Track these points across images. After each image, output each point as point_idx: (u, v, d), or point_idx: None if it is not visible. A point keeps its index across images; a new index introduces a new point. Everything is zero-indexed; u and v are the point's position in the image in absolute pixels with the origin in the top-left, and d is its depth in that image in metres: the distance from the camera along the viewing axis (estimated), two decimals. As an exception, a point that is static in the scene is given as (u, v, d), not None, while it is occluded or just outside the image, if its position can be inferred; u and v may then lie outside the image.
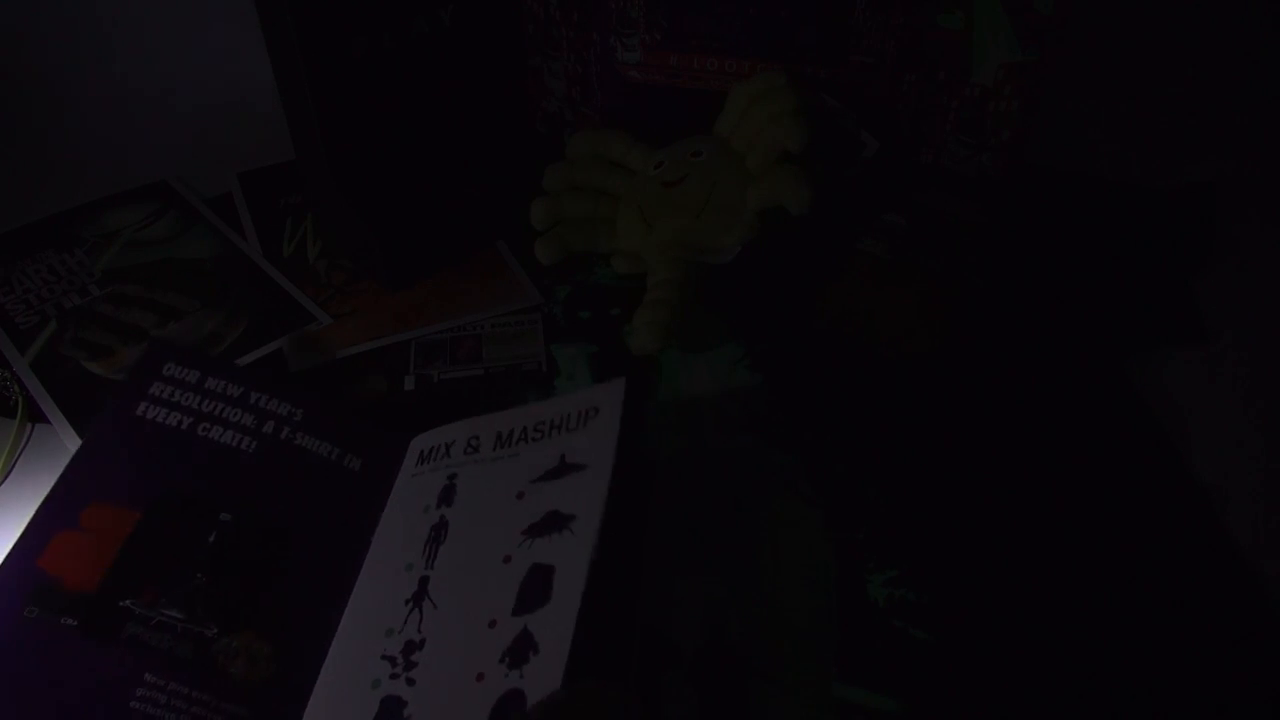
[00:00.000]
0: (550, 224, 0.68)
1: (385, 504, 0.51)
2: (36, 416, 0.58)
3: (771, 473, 0.55)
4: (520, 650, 0.41)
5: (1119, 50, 0.84)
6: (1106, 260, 0.69)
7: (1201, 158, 0.79)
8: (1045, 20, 0.63)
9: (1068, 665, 0.46)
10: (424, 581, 0.46)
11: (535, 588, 0.42)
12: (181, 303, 0.65)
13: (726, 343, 0.63)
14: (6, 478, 0.55)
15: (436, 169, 0.69)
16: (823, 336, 0.62)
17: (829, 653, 0.47)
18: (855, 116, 0.68)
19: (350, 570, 0.48)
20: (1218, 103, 0.85)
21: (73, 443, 0.55)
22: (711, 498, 0.54)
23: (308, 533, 0.48)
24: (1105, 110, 0.82)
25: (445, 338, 0.64)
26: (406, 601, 0.45)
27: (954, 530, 0.52)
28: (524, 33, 0.74)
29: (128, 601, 0.43)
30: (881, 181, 0.68)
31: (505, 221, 0.71)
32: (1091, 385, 0.60)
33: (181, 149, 0.80)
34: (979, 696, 0.45)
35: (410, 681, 0.42)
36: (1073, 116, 0.77)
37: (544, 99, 0.78)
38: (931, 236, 0.64)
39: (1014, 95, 0.66)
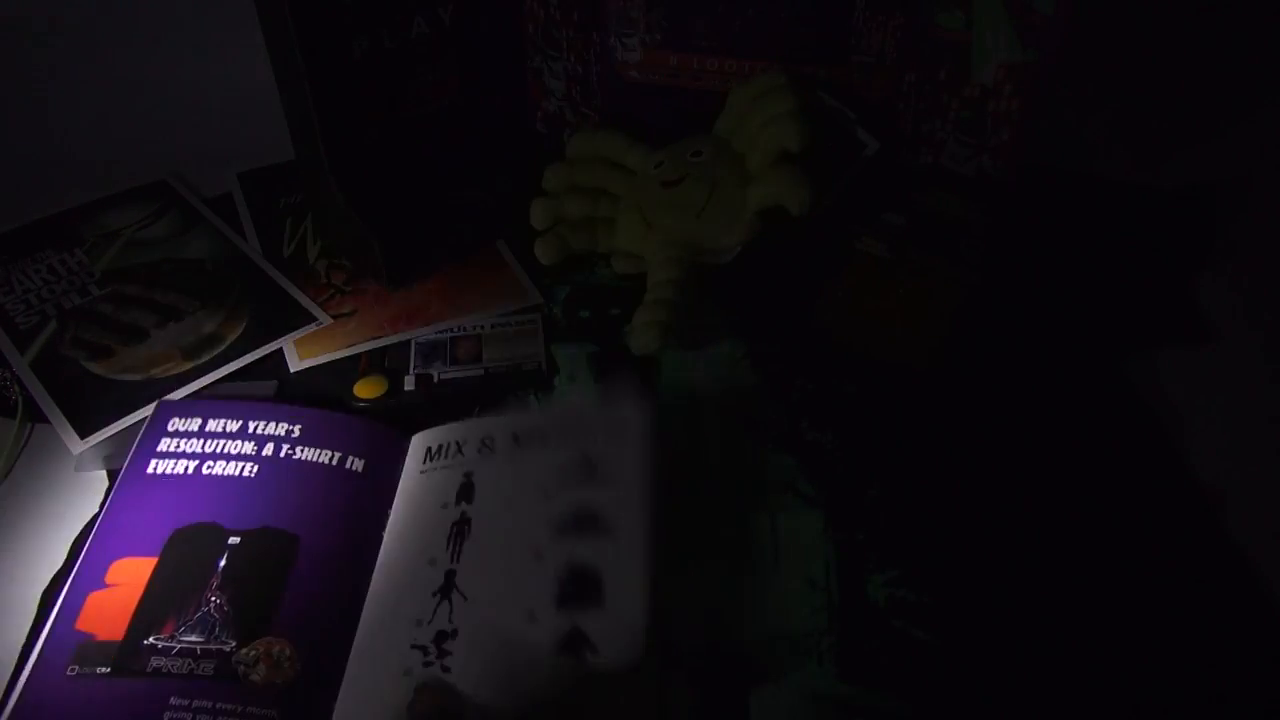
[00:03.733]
0: (550, 224, 0.68)
1: (392, 500, 0.52)
2: (36, 416, 0.58)
3: (771, 473, 0.55)
4: (574, 646, 0.44)
5: (1119, 50, 0.84)
6: (1106, 260, 0.69)
7: (1201, 158, 0.79)
8: (1045, 20, 0.63)
9: (1068, 665, 0.46)
10: (450, 575, 0.48)
11: (580, 587, 0.46)
12: (181, 303, 0.65)
13: (726, 343, 0.63)
14: (6, 477, 0.55)
15: (436, 169, 0.69)
16: (823, 336, 0.62)
17: (829, 653, 0.47)
18: (855, 116, 0.68)
19: (365, 566, 0.49)
20: (1218, 103, 0.85)
21: (73, 442, 0.55)
22: (711, 497, 0.54)
23: (318, 536, 0.50)
24: (1105, 110, 0.82)
25: (445, 338, 0.64)
26: (434, 594, 0.47)
27: (954, 530, 0.52)
28: (524, 33, 0.74)
29: (150, 638, 0.46)
30: (881, 181, 0.68)
31: (505, 221, 0.71)
32: (1091, 385, 0.60)
33: (181, 149, 0.79)
34: (980, 696, 0.45)
35: (445, 669, 0.44)
36: (1073, 116, 0.77)
37: (544, 99, 0.78)
38: (931, 236, 0.64)
39: (1014, 95, 0.66)
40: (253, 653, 0.45)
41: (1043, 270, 0.67)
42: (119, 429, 0.56)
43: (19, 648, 0.47)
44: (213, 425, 0.54)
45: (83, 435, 0.56)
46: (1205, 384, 0.61)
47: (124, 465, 0.53)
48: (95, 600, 0.47)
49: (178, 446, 0.53)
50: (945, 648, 0.47)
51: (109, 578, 0.48)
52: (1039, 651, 0.47)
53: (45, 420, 0.57)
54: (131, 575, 0.48)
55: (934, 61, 0.67)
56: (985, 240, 0.64)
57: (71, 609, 0.46)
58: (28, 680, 0.44)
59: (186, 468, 0.52)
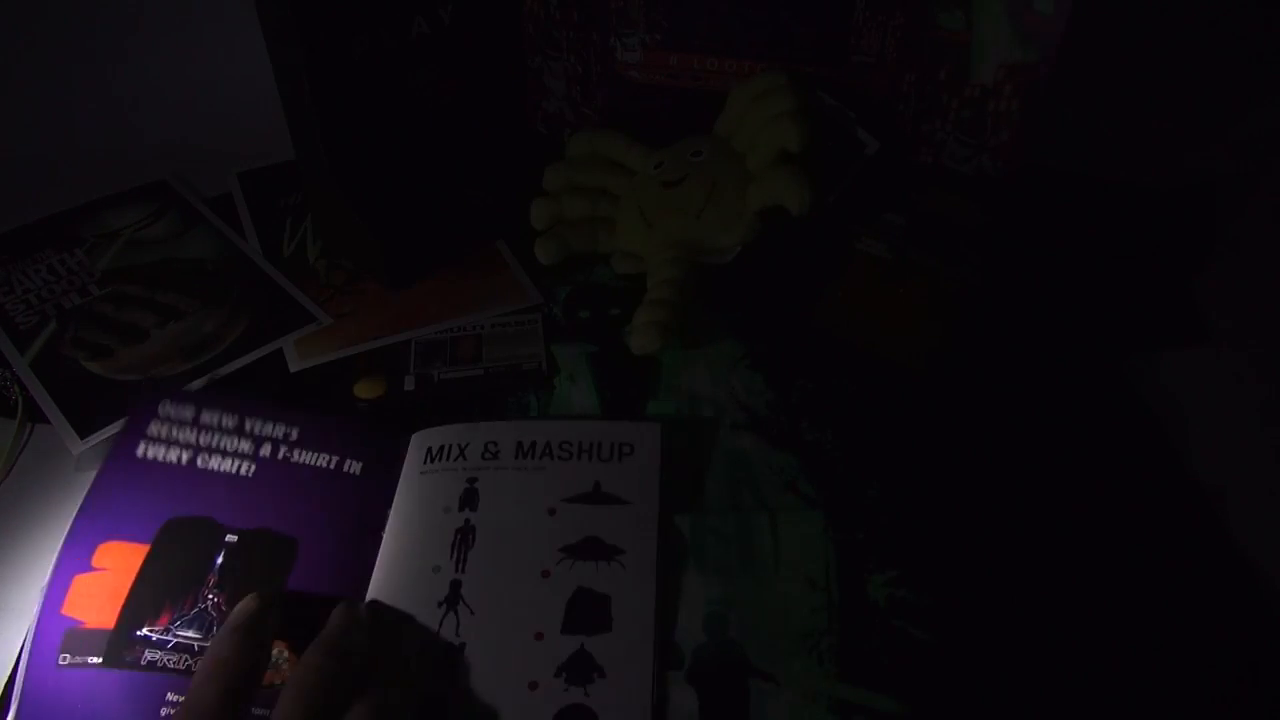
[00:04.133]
0: (550, 224, 0.68)
1: (390, 500, 0.52)
2: (36, 416, 0.58)
3: (771, 473, 0.55)
4: (580, 669, 0.45)
5: (1119, 50, 0.84)
6: (1106, 260, 0.69)
7: (1201, 158, 0.79)
8: (1045, 20, 0.63)
9: (1068, 665, 0.46)
10: (456, 585, 0.48)
11: (588, 610, 0.47)
12: (181, 303, 0.65)
13: (726, 343, 0.63)
14: (6, 477, 0.55)
15: (436, 169, 0.69)
16: (823, 336, 0.62)
17: (829, 653, 0.47)
18: (854, 116, 0.68)
19: (365, 568, 0.49)
20: (1218, 103, 0.85)
21: (73, 442, 0.55)
22: (711, 497, 0.54)
23: (316, 541, 0.50)
24: (1105, 110, 0.82)
25: (445, 338, 0.64)
26: (440, 604, 0.47)
27: (954, 530, 0.52)
28: (524, 33, 0.74)
29: (143, 630, 0.45)
30: (881, 181, 0.68)
31: (505, 221, 0.71)
32: (1091, 385, 0.60)
33: (181, 149, 0.79)
34: (979, 696, 0.45)
35: (451, 681, 0.44)
36: (1073, 116, 0.77)
37: (544, 99, 0.78)
38: (931, 236, 0.64)
39: (1014, 95, 0.66)
40: None
41: (1043, 270, 0.67)
42: (119, 429, 0.56)
43: (19, 647, 0.46)
44: (208, 417, 0.54)
45: (83, 435, 0.56)
46: (1205, 384, 0.61)
47: (111, 445, 0.52)
48: (82, 584, 0.46)
49: (171, 434, 0.53)
50: (945, 648, 0.47)
51: (96, 561, 0.47)
52: (1039, 651, 0.47)
53: (45, 420, 0.57)
54: (121, 561, 0.47)
55: (934, 61, 0.67)
56: (985, 240, 0.64)
57: (58, 592, 0.46)
58: (26, 674, 0.43)
59: (180, 457, 0.52)
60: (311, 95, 0.59)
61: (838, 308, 0.62)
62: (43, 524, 0.53)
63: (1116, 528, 0.52)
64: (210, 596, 0.47)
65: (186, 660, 0.44)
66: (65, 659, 0.44)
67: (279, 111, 0.63)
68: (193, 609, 0.46)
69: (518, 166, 0.73)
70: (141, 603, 0.46)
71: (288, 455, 0.53)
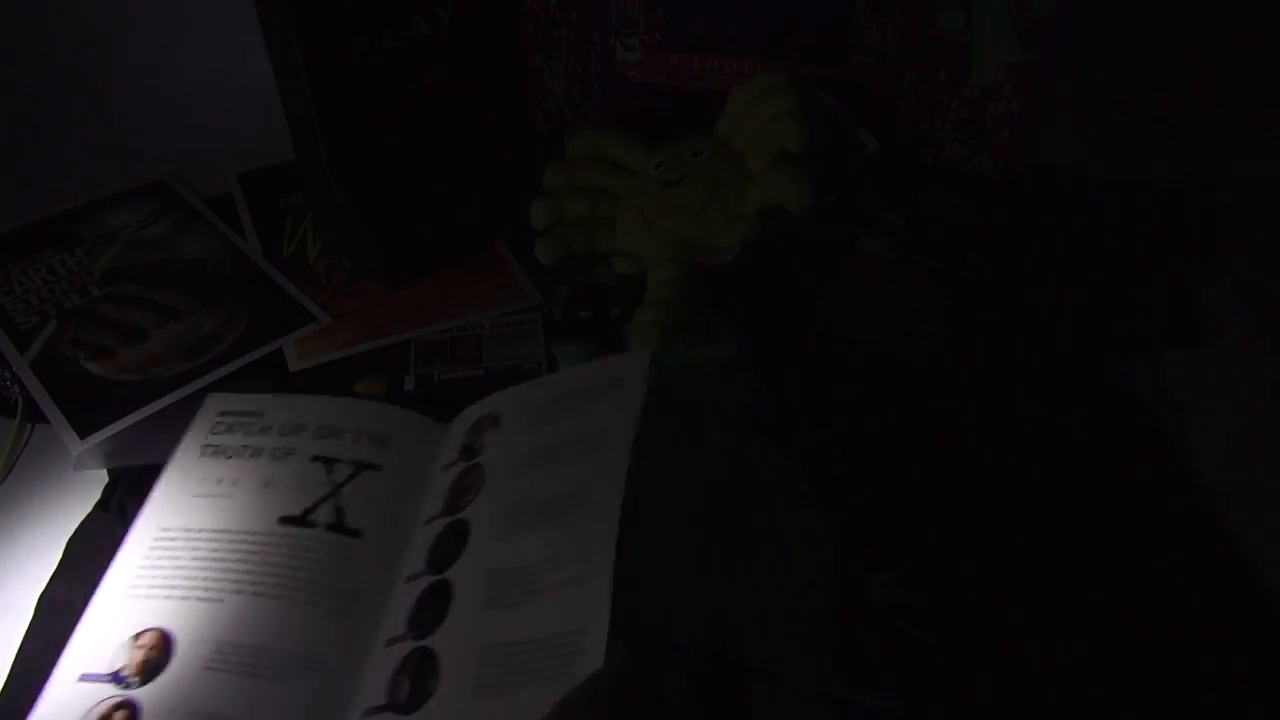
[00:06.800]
0: (550, 224, 0.68)
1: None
2: (36, 416, 0.58)
3: (771, 472, 0.55)
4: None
5: (1119, 50, 0.84)
6: (1106, 260, 0.69)
7: (1201, 158, 0.79)
8: (1045, 20, 0.63)
9: (1068, 665, 0.46)
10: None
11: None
12: (181, 303, 0.65)
13: (726, 343, 0.63)
14: (6, 477, 0.55)
15: (436, 169, 0.69)
16: (823, 336, 0.62)
17: (829, 653, 0.47)
18: (854, 116, 0.68)
19: None
20: (1218, 102, 0.85)
21: (73, 442, 0.55)
22: (712, 497, 0.54)
23: None
24: (1105, 110, 0.82)
25: (445, 338, 0.64)
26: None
27: (954, 531, 0.52)
28: (524, 33, 0.74)
29: None
30: (881, 181, 0.68)
31: (505, 221, 0.71)
32: (1091, 385, 0.60)
33: (181, 149, 0.80)
34: (980, 697, 0.45)
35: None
36: (1073, 116, 0.77)
37: (544, 99, 0.78)
38: (931, 236, 0.64)
39: (1014, 95, 0.66)
40: None
41: (1043, 270, 0.67)
42: (119, 429, 0.56)
43: (16, 648, 0.46)
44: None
45: (82, 435, 0.56)
46: (1205, 384, 0.61)
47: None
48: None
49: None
50: (945, 648, 0.47)
51: None
52: (1039, 651, 0.47)
53: (45, 420, 0.57)
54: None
55: (934, 61, 0.67)
56: (985, 240, 0.64)
57: None
58: None
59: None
60: (311, 95, 0.59)
61: (838, 307, 0.62)
62: (42, 524, 0.53)
63: (1116, 528, 0.52)
64: None
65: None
66: None
67: (279, 111, 0.63)
68: None
69: (518, 166, 0.73)
70: None
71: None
